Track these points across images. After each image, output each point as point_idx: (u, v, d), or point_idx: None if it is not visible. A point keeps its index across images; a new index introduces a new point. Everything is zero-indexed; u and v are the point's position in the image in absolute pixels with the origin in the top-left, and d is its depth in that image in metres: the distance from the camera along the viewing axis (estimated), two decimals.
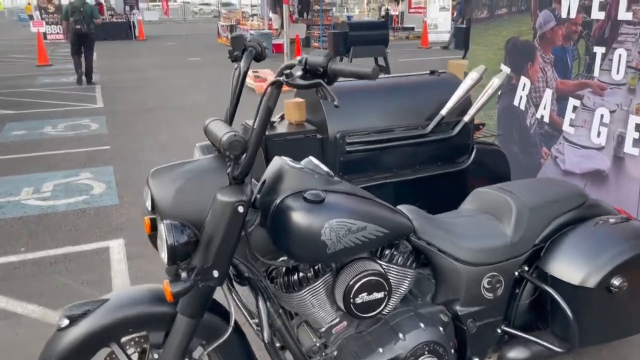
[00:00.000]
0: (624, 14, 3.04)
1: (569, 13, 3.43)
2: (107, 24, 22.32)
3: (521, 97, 3.90)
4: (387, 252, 1.92)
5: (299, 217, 1.70)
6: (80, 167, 5.60)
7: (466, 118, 2.93)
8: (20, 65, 14.14)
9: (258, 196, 1.86)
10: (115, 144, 6.47)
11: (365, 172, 2.83)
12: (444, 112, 2.87)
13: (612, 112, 3.20)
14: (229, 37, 1.70)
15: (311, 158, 1.99)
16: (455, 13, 15.63)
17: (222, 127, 1.72)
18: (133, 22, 22.48)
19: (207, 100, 9.27)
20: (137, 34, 22.24)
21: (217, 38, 20.72)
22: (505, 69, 4.02)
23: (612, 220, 2.16)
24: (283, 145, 2.70)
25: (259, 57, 1.96)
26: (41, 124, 7.53)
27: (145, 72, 12.77)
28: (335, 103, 1.48)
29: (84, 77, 11.06)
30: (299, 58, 1.61)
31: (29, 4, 20.59)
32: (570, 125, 3.51)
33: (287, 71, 1.61)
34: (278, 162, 1.91)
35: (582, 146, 3.46)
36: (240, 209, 1.62)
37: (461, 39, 10.81)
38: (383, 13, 22.96)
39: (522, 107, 3.90)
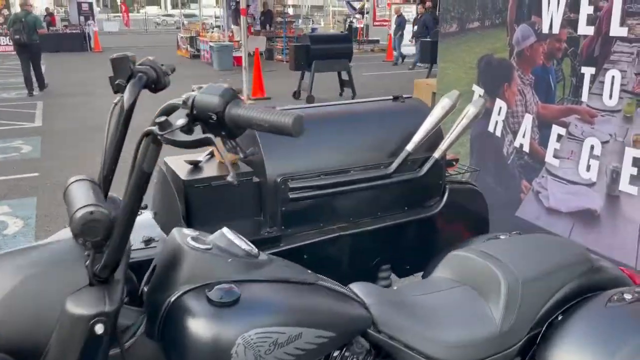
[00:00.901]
0: (617, 30, 2.59)
1: (551, 28, 2.97)
2: (60, 35, 21.36)
3: (497, 122, 3.43)
4: (335, 354, 1.38)
5: (198, 328, 1.14)
6: None
7: (436, 154, 2.41)
8: None
9: (145, 289, 1.30)
10: (45, 171, 5.75)
11: (315, 223, 2.27)
12: (409, 147, 2.34)
13: (604, 143, 2.73)
14: (132, 65, 1.32)
15: (224, 230, 1.44)
16: (416, 26, 15.21)
17: (84, 194, 1.15)
18: (88, 33, 21.54)
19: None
20: (92, 46, 21.31)
21: (177, 50, 19.99)
22: (479, 90, 3.54)
23: (628, 297, 1.66)
24: (207, 194, 2.13)
25: (156, 86, 1.40)
26: None
27: (93, 87, 11.98)
28: (230, 179, 0.95)
29: (35, 86, 10.95)
30: (184, 96, 1.05)
31: None
32: (555, 156, 3.03)
33: (162, 118, 1.05)
34: (175, 237, 1.35)
35: (569, 181, 2.99)
36: (99, 329, 1.04)
37: (428, 54, 10.41)
38: (347, 25, 22.66)
39: (498, 133, 3.42)
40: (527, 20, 3.13)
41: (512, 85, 3.28)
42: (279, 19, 17.69)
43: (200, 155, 2.38)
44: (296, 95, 10.32)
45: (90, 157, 6.16)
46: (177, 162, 2.27)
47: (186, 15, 33.68)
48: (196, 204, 2.14)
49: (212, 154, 2.35)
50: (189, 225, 2.17)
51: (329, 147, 2.29)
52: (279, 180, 2.13)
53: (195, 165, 2.28)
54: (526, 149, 3.24)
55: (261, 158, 2.17)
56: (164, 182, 2.24)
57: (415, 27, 15.25)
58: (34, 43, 10.71)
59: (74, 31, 21.57)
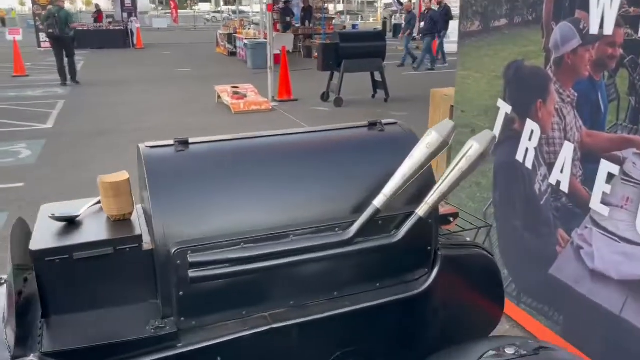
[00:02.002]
0: None
1: (601, 27, 2.16)
2: (104, 31, 21.48)
3: (527, 150, 2.62)
4: None
5: None
6: None
7: (421, 211, 1.67)
8: None
9: None
10: (32, 181, 5.30)
11: (233, 311, 1.58)
12: (378, 202, 1.61)
13: None
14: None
15: None
16: (422, 23, 14.05)
17: None
18: (131, 29, 21.56)
19: (173, 121, 8.09)
20: (135, 42, 21.30)
21: (216, 47, 19.66)
22: (505, 107, 2.74)
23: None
24: (69, 271, 1.47)
25: None
26: None
27: (122, 86, 11.68)
28: None
29: (68, 78, 11.73)
30: None
31: (13, 9, 19.72)
32: (603, 202, 2.22)
33: None
34: None
35: (622, 238, 2.17)
36: None
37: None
38: (396, 21, 21.60)
39: (529, 164, 2.62)
40: (569, 16, 2.31)
41: (548, 103, 2.47)
42: (318, 15, 17.00)
43: (85, 203, 1.73)
44: (324, 97, 9.61)
45: (89, 165, 5.69)
46: (43, 220, 1.63)
47: (237, 12, 33.36)
48: (52, 284, 1.49)
49: (99, 201, 1.69)
50: (44, 312, 1.52)
51: (258, 199, 1.59)
52: (173, 251, 1.45)
53: (71, 222, 1.64)
54: (565, 188, 2.42)
55: (150, 213, 1.49)
56: (24, 246, 1.59)
57: (422, 24, 14.10)
58: (67, 36, 11.38)
59: (117, 28, 21.62)
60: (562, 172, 2.43)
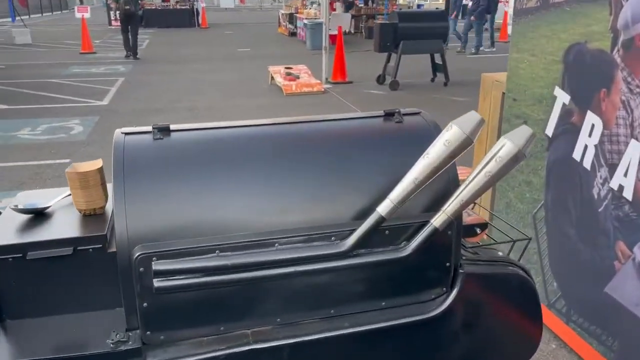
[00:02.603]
0: None
1: None
2: (171, 10, 21.85)
3: (586, 147, 2.25)
4: None
5: None
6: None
7: (436, 221, 1.40)
8: (64, 52, 13.67)
9: None
10: (78, 158, 5.34)
11: (208, 327, 1.38)
12: (382, 209, 1.35)
13: None
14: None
15: None
16: (470, 2, 12.94)
17: None
18: (197, 9, 21.82)
19: (223, 101, 8.02)
20: (200, 22, 21.55)
21: (278, 27, 19.54)
22: (563, 97, 2.37)
23: None
24: (24, 272, 1.31)
25: None
26: (21, 125, 6.59)
27: (181, 65, 11.78)
28: None
29: (131, 54, 12.71)
30: None
31: None
32: None
33: None
34: None
35: None
36: None
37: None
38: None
39: (587, 164, 2.25)
40: None
41: (613, 94, 2.09)
42: None
43: (57, 194, 1.56)
44: (380, 79, 9.24)
45: None
46: (9, 211, 1.48)
47: None
48: (6, 285, 1.34)
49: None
50: (1, 315, 1.37)
51: (241, 200, 1.36)
52: (135, 257, 1.25)
53: (39, 214, 1.48)
54: (628, 194, 2.05)
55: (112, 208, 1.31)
56: None
57: (470, 4, 13.06)
58: (135, 13, 12.51)
59: (183, 7, 21.93)
60: (626, 175, 2.05)
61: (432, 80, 9.37)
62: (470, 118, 1.32)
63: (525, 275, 1.61)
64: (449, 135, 1.31)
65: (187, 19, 21.55)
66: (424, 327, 1.51)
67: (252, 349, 1.37)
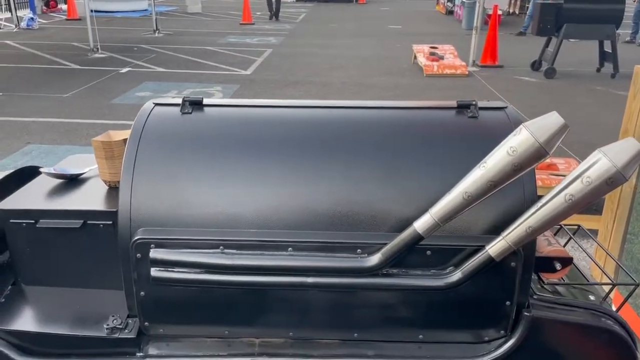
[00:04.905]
0: None
1: None
2: None
3: None
4: None
5: None
6: None
7: (492, 249, 1.09)
8: (226, 22, 14.49)
9: None
10: None
11: (214, 326, 1.25)
12: (419, 226, 1.09)
13: None
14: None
15: None
16: None
17: None
18: None
19: (360, 78, 7.85)
20: None
21: (436, 5, 18.76)
22: None
23: None
24: (35, 238, 1.28)
25: None
26: (171, 87, 7.09)
27: (329, 39, 11.82)
28: None
29: (274, 16, 14.98)
30: None
31: None
32: None
33: None
34: None
35: None
36: None
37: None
38: None
39: None
40: None
41: None
42: None
43: (89, 161, 1.51)
44: (535, 65, 8.35)
45: None
46: (41, 177, 1.45)
47: None
48: (19, 250, 1.31)
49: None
50: (16, 278, 1.36)
51: (257, 192, 1.18)
52: (133, 241, 1.15)
53: (71, 180, 1.44)
54: None
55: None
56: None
57: None
58: None
59: None
60: None
61: (598, 70, 8.23)
62: (549, 121, 0.99)
63: (621, 330, 1.23)
64: (516, 142, 1.00)
65: None
66: None
67: None
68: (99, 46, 9.43)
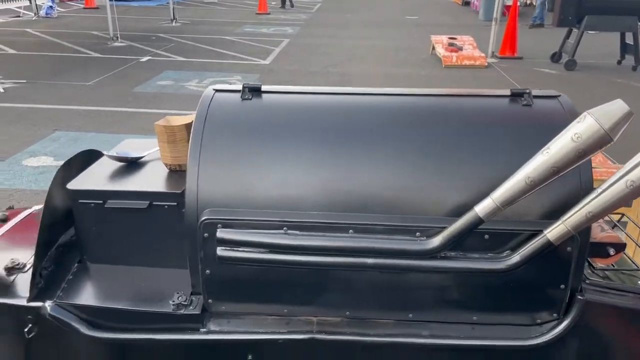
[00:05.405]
0: None
1: None
2: None
3: None
4: None
5: None
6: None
7: (550, 233, 1.13)
8: (242, 12, 14.52)
9: None
10: None
11: (274, 305, 1.29)
12: (480, 210, 1.12)
13: None
14: None
15: None
16: None
17: None
18: None
19: (378, 69, 7.85)
20: None
21: None
22: None
23: None
24: (103, 218, 1.33)
25: None
26: (192, 76, 7.14)
27: (346, 29, 11.81)
28: None
29: (287, 4, 15.50)
30: None
31: None
32: None
33: None
34: None
35: None
36: None
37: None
38: None
39: None
40: None
41: None
42: None
43: (144, 145, 1.56)
44: (555, 57, 8.30)
45: None
46: (104, 160, 1.49)
47: None
48: (86, 229, 1.36)
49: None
50: (82, 256, 1.41)
51: (319, 176, 1.23)
52: (200, 221, 1.19)
53: (132, 163, 1.49)
54: None
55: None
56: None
57: None
58: None
59: None
60: None
61: (619, 62, 8.18)
62: (614, 108, 1.02)
63: None
64: (581, 128, 1.03)
65: None
66: (523, 355, 1.26)
67: (314, 339, 1.25)
68: (118, 35, 9.51)
